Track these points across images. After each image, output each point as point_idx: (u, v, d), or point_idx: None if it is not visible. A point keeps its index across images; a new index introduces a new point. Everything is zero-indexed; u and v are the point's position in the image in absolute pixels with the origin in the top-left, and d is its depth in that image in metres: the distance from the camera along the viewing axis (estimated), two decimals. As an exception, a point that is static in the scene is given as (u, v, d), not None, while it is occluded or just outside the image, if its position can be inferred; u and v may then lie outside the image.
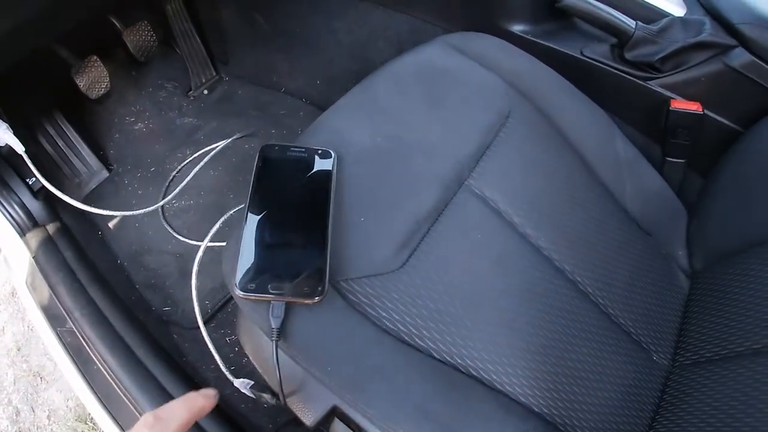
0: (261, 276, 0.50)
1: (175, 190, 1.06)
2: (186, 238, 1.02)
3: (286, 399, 0.53)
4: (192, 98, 1.28)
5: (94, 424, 1.53)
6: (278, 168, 0.59)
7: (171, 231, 1.03)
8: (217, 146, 1.12)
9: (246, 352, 0.58)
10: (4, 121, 0.89)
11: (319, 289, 0.49)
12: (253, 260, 0.50)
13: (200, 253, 0.67)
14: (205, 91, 1.29)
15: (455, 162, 0.65)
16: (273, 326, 0.48)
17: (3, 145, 0.89)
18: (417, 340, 0.54)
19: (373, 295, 0.54)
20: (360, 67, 1.13)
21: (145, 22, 1.23)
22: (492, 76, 0.74)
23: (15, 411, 1.62)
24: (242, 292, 0.48)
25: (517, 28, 0.87)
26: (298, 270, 0.50)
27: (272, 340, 0.48)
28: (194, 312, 0.78)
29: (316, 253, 0.52)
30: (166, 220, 1.04)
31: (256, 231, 0.53)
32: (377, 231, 0.58)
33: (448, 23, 0.96)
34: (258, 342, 0.55)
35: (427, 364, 0.53)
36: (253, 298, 0.49)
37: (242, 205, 0.55)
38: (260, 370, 0.57)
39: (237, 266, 0.50)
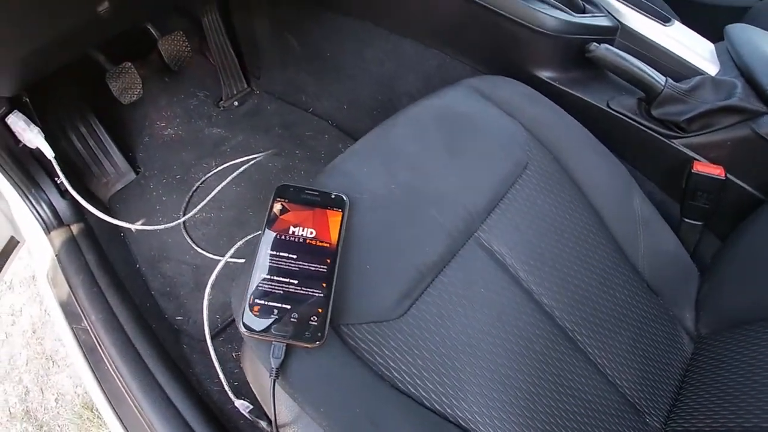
0: (265, 317, 0.52)
1: (197, 202, 1.10)
2: (204, 250, 1.05)
3: (279, 430, 0.54)
4: (222, 109, 1.30)
5: (98, 412, 1.56)
6: (293, 209, 0.60)
7: (191, 242, 1.05)
8: (244, 164, 1.14)
9: (247, 378, 0.60)
10: (37, 125, 0.93)
11: (320, 335, 0.51)
12: (259, 300, 0.52)
13: (217, 270, 0.69)
14: (236, 103, 1.32)
15: (466, 214, 0.66)
16: (272, 366, 0.50)
17: (34, 147, 0.94)
18: (411, 388, 0.55)
19: (372, 341, 0.56)
20: (386, 97, 1.15)
21: (181, 32, 1.26)
22: (513, 124, 0.75)
23: (25, 390, 1.67)
24: (247, 332, 0.51)
25: (545, 74, 0.87)
26: (300, 314, 0.52)
27: (270, 378, 0.50)
28: (203, 324, 0.81)
29: (321, 298, 0.54)
30: (186, 231, 1.07)
31: (266, 269, 0.55)
32: (381, 278, 0.59)
33: (476, 62, 0.96)
34: (258, 372, 0.56)
35: (418, 412, 0.54)
36: (256, 337, 0.51)
37: (260, 232, 0.57)
38: (258, 397, 0.59)
39: (244, 304, 0.52)
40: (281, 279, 0.54)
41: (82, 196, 0.90)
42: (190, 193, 1.12)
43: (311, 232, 0.58)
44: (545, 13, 0.81)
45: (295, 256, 0.56)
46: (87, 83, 1.21)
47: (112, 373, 0.85)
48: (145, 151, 1.23)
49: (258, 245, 0.57)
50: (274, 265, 0.55)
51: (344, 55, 1.19)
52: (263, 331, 0.51)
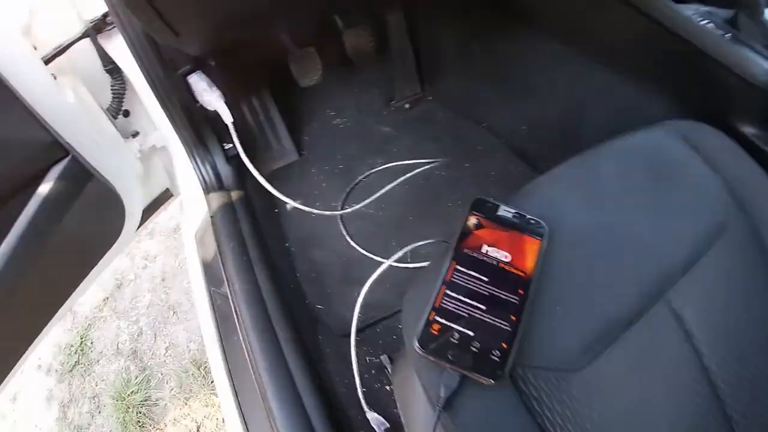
0: (444, 338, 0.47)
1: (357, 196, 1.09)
2: (357, 244, 1.03)
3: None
4: (393, 108, 1.29)
5: (205, 372, 1.62)
6: (488, 226, 0.56)
7: (346, 235, 1.04)
8: (412, 167, 1.12)
9: (396, 398, 0.56)
10: (218, 88, 0.96)
11: (499, 372, 0.46)
12: (440, 318, 0.48)
13: (379, 272, 0.66)
14: (407, 105, 1.30)
15: (661, 269, 0.59)
16: (441, 395, 0.46)
17: (212, 110, 0.97)
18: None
19: (545, 391, 0.50)
20: (569, 125, 1.07)
21: (367, 26, 1.26)
22: (716, 181, 0.66)
23: (138, 331, 1.76)
24: (421, 350, 0.47)
25: (748, 130, 0.77)
26: (483, 344, 0.47)
27: (436, 409, 0.46)
28: (344, 319, 0.79)
29: (507, 331, 0.49)
30: (343, 223, 1.06)
31: (451, 288, 0.50)
32: (569, 323, 0.53)
33: (672, 102, 0.88)
34: (416, 396, 0.52)
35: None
36: (430, 358, 0.47)
37: (432, 240, 0.54)
38: (403, 419, 0.55)
39: (422, 319, 0.48)
40: (468, 301, 0.50)
41: (244, 169, 0.91)
42: (352, 185, 1.12)
43: (506, 256, 0.54)
44: (762, 65, 0.71)
45: (486, 279, 0.51)
46: (268, 58, 1.24)
47: (243, 347, 0.85)
48: (311, 135, 1.25)
49: (444, 257, 0.53)
50: (462, 283, 0.51)
51: (531, 74, 1.13)
52: (439, 353, 0.47)
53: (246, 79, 1.19)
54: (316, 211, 0.81)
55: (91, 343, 1.78)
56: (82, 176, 0.86)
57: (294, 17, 1.02)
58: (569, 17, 1.02)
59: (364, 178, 1.13)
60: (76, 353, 1.76)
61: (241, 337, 0.85)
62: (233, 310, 0.86)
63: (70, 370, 1.74)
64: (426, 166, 1.08)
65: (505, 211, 0.57)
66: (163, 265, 1.86)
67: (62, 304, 1.03)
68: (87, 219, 0.92)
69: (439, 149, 1.17)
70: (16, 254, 0.79)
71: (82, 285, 1.00)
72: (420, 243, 0.75)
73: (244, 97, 1.18)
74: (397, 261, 0.95)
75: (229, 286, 0.89)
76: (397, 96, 1.31)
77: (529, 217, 0.57)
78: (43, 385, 1.73)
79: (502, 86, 1.20)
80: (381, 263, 0.92)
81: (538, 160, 1.12)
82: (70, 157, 0.82)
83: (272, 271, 0.91)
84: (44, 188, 0.80)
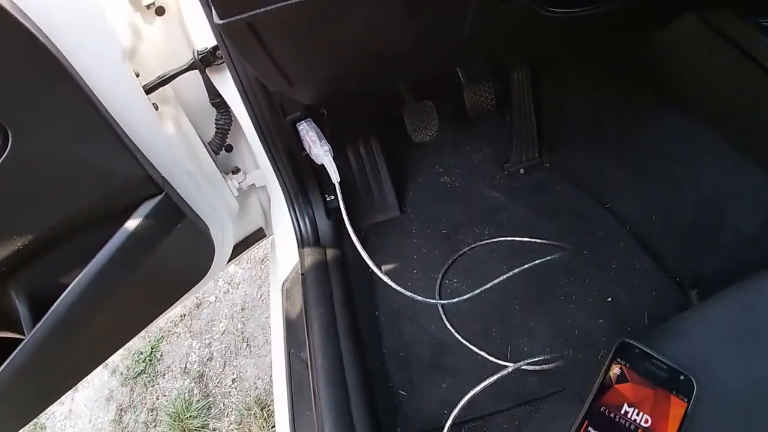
0: None
1: (460, 272, 0.99)
2: (452, 325, 0.92)
3: None
4: (506, 173, 1.19)
5: (267, 415, 1.56)
6: (633, 380, 0.49)
7: (444, 318, 0.94)
8: (525, 246, 1.00)
9: None
10: (327, 138, 0.90)
11: None
12: None
13: (487, 383, 0.57)
14: (521, 170, 1.20)
15: None
16: None
17: (319, 164, 0.90)
18: None
19: None
20: (707, 225, 0.95)
21: (489, 83, 1.18)
22: None
23: (209, 355, 1.74)
24: None
25: None
26: None
27: None
28: (428, 412, 0.68)
29: None
30: (442, 308, 0.95)
31: None
32: None
33: None
34: None
35: None
36: None
37: (544, 358, 0.44)
38: None
39: None
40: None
41: (347, 216, 0.83)
42: (454, 257, 1.02)
43: (647, 420, 0.47)
44: None
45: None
46: (381, 108, 1.19)
47: (313, 421, 0.77)
48: (416, 191, 1.17)
49: (580, 413, 0.46)
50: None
51: (670, 159, 1.01)
52: None
53: (355, 126, 1.14)
54: (417, 297, 0.72)
55: (161, 355, 1.78)
56: (174, 215, 0.82)
57: (417, 73, 0.96)
58: (726, 101, 0.91)
59: (468, 250, 1.03)
60: (143, 362, 1.76)
61: (315, 416, 0.77)
62: (311, 386, 0.79)
63: (135, 377, 1.74)
64: (541, 259, 0.95)
65: (655, 364, 0.51)
66: (245, 294, 1.84)
67: (139, 332, 1.01)
68: (175, 256, 0.88)
69: (555, 228, 1.05)
70: (94, 287, 0.76)
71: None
72: (531, 360, 0.64)
73: (351, 144, 1.13)
74: (496, 357, 0.84)
75: (311, 357, 0.83)
76: (512, 159, 1.21)
77: (680, 370, 0.50)
78: (106, 384, 1.75)
79: (633, 166, 1.08)
80: (477, 355, 0.82)
81: (665, 257, 0.99)
82: (163, 194, 0.79)
83: (358, 348, 0.83)
84: (132, 223, 0.76)
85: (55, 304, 0.74)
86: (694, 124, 0.96)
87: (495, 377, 0.59)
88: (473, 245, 1.04)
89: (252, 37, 0.56)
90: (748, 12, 0.79)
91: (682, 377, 0.50)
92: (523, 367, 0.83)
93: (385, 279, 0.70)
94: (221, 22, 0.51)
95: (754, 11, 0.78)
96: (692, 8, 0.84)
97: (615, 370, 0.49)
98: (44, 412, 1.03)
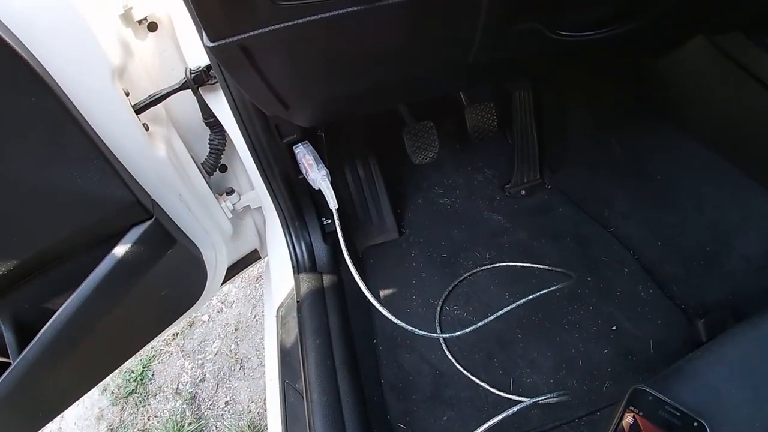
0: None
1: (460, 298, 0.96)
2: (452, 355, 0.89)
3: None
4: (507, 194, 1.17)
5: (261, 441, 1.51)
6: (645, 428, 0.48)
7: (445, 348, 0.91)
8: (527, 275, 0.97)
9: None
10: (326, 166, 0.87)
11: None
12: None
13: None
14: (522, 192, 1.17)
15: None
16: None
17: (316, 189, 0.87)
18: None
19: None
20: (714, 252, 0.92)
21: (491, 104, 1.16)
22: None
23: (201, 376, 1.69)
24: None
25: None
26: None
27: None
28: None
29: None
30: (444, 340, 0.91)
31: None
32: None
33: None
34: None
35: None
36: None
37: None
38: None
39: None
40: None
41: (345, 244, 0.80)
42: (455, 283, 0.99)
43: None
44: None
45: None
46: (380, 128, 1.17)
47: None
48: (414, 213, 1.14)
49: None
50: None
51: (676, 183, 0.99)
52: None
53: (353, 147, 1.11)
54: (419, 331, 0.69)
55: (152, 375, 1.74)
56: (164, 241, 0.80)
57: (417, 97, 0.94)
58: (733, 125, 0.90)
59: (469, 275, 1.00)
60: (135, 381, 1.72)
61: None
62: (307, 419, 0.75)
63: (126, 396, 1.70)
64: (546, 289, 0.89)
65: (668, 410, 0.50)
66: (238, 314, 1.80)
67: (130, 358, 0.97)
68: (166, 281, 0.86)
69: (558, 253, 1.02)
70: (81, 313, 0.73)
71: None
72: (537, 399, 0.61)
73: (349, 163, 1.10)
74: (498, 389, 0.81)
75: (306, 390, 0.79)
76: (513, 180, 1.19)
77: (693, 416, 0.49)
78: (97, 403, 1.71)
79: (638, 190, 1.05)
80: (478, 386, 0.79)
81: (671, 284, 0.96)
82: (153, 219, 0.76)
83: (356, 379, 0.80)
84: (120, 250, 0.74)
85: (42, 330, 0.71)
86: (700, 148, 0.94)
87: (500, 417, 0.56)
88: (474, 270, 1.00)
89: (245, 60, 0.53)
90: (756, 35, 0.77)
91: (695, 423, 0.49)
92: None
93: (385, 312, 0.67)
94: (212, 44, 0.48)
95: (763, 34, 0.77)
96: (704, 32, 0.83)
97: (628, 419, 0.47)
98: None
